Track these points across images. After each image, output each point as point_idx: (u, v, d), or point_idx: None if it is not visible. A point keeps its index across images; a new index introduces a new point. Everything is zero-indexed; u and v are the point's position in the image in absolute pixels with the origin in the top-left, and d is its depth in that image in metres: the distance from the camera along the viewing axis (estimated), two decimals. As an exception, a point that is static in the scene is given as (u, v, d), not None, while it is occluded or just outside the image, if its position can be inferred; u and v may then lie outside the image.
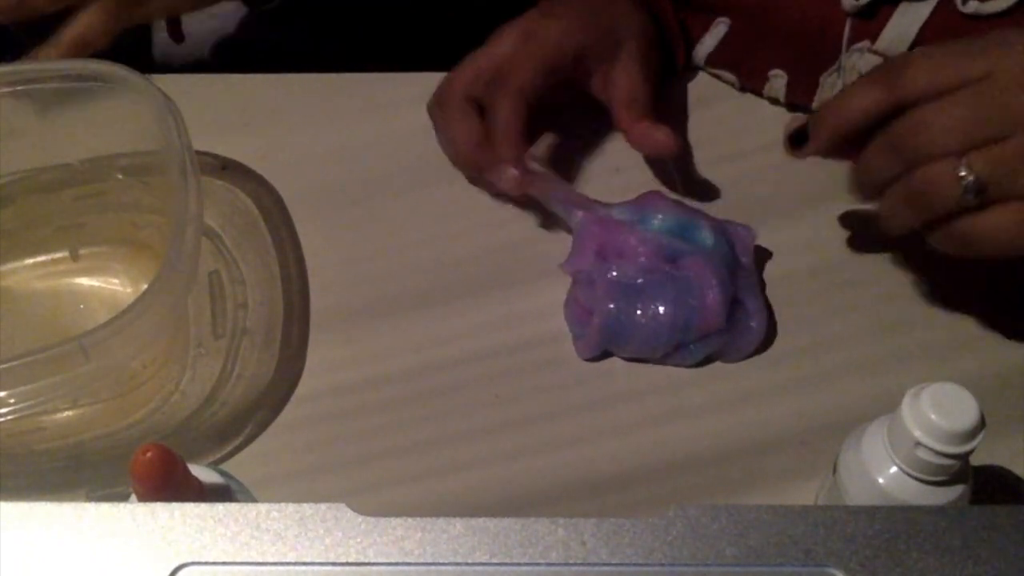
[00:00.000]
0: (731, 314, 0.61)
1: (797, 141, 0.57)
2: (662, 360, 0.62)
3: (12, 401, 0.53)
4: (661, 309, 0.61)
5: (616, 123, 0.68)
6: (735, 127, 0.72)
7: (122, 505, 0.39)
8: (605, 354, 0.63)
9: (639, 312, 0.61)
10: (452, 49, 0.71)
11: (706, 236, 0.63)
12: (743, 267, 0.63)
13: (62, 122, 0.66)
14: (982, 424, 0.46)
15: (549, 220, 0.68)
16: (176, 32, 0.80)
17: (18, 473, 0.59)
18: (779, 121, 0.72)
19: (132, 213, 0.68)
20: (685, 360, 0.62)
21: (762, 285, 0.65)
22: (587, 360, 0.63)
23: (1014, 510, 0.38)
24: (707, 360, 0.63)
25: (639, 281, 0.62)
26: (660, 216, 0.64)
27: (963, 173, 0.50)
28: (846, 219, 0.68)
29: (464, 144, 0.66)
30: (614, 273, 0.62)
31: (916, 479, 0.48)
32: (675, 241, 0.63)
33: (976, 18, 0.61)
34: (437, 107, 0.69)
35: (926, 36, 0.63)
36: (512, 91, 0.65)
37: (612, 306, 0.61)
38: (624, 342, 0.62)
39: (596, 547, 0.37)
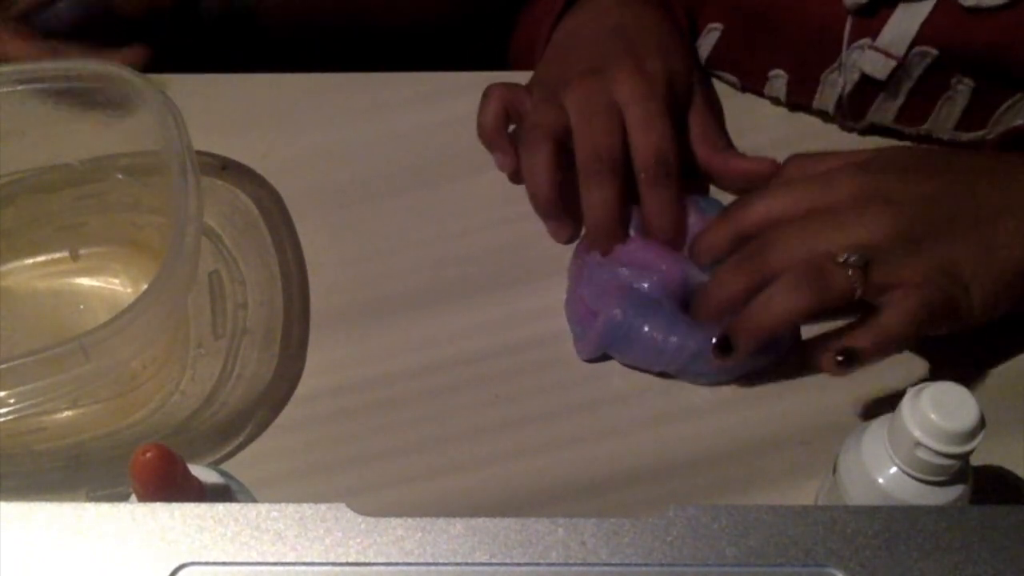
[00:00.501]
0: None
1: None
2: (663, 375, 0.62)
3: (12, 401, 0.53)
4: (673, 339, 0.60)
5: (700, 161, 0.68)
6: (737, 127, 0.72)
7: (122, 505, 0.39)
8: (606, 356, 0.63)
9: (647, 328, 0.60)
10: (451, 50, 0.71)
11: None
12: None
13: (62, 122, 0.66)
14: (982, 424, 0.46)
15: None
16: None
17: (18, 473, 0.59)
18: (781, 121, 0.73)
19: (132, 213, 0.68)
20: (697, 381, 0.62)
21: None
22: (587, 361, 0.63)
23: (1014, 510, 0.38)
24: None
25: (652, 295, 0.61)
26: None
27: (843, 258, 0.55)
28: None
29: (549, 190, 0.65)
30: (624, 271, 0.62)
31: (916, 479, 0.48)
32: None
33: (977, 12, 0.61)
34: (522, 136, 0.67)
35: (926, 32, 0.63)
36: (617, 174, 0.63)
37: (618, 311, 0.60)
38: (624, 351, 0.62)
39: (596, 547, 0.37)
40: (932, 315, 0.55)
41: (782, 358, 0.62)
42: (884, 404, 0.50)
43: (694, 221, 0.64)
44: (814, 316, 0.56)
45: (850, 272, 0.55)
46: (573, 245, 0.67)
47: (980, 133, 0.67)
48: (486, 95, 0.68)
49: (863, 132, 0.71)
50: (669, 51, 0.67)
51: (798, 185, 0.60)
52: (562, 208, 0.66)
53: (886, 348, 0.55)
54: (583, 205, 0.64)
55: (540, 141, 0.65)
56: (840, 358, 0.55)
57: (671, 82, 0.66)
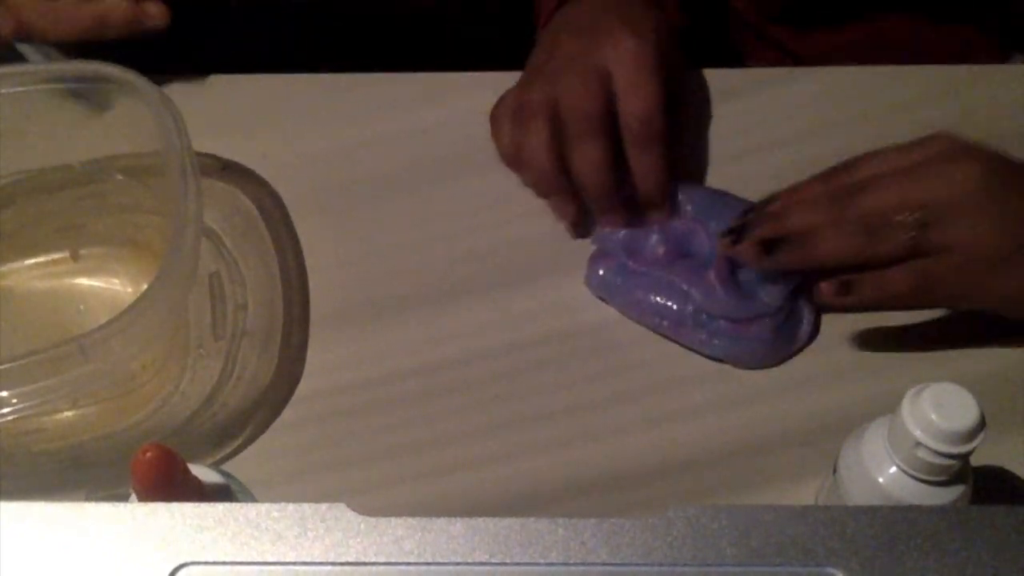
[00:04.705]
0: (786, 319, 0.62)
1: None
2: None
3: (12, 401, 0.53)
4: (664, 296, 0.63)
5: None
6: (743, 125, 0.72)
7: (122, 505, 0.39)
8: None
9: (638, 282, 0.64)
10: (451, 50, 0.70)
11: None
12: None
13: (62, 123, 0.66)
14: (982, 424, 0.46)
15: (548, 222, 0.68)
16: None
17: (18, 474, 0.59)
18: (799, 115, 0.73)
19: (132, 214, 0.68)
20: (702, 340, 0.62)
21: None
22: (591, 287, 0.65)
23: (1014, 510, 0.38)
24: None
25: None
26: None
27: (902, 216, 0.56)
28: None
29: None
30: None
31: (916, 479, 0.48)
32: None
33: None
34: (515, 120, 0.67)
35: None
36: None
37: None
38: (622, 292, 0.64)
39: (596, 547, 0.37)
40: (937, 290, 0.57)
41: (792, 353, 0.63)
42: (884, 404, 0.50)
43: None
44: (858, 264, 0.57)
45: (906, 232, 0.56)
46: (569, 245, 0.67)
47: None
48: (521, 115, 0.66)
49: None
50: (660, 30, 0.66)
51: (892, 150, 0.60)
52: (564, 182, 0.65)
53: (883, 302, 0.58)
54: (574, 170, 0.64)
55: (532, 117, 0.64)
56: (838, 287, 0.58)
57: (661, 44, 0.65)
